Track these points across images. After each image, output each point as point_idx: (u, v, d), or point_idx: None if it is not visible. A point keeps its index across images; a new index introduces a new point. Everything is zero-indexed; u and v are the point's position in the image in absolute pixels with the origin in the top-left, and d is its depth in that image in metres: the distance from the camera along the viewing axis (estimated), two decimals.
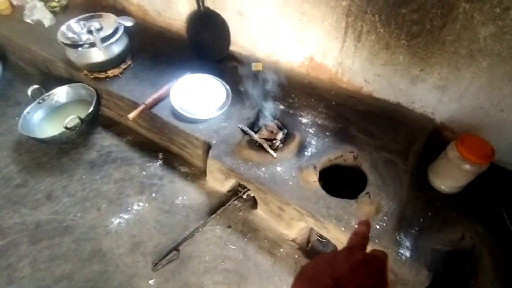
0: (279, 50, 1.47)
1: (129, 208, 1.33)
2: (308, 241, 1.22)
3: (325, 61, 1.35)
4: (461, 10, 0.94)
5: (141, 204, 1.34)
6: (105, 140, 1.60)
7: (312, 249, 1.21)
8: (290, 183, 1.11)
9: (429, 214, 1.12)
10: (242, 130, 1.26)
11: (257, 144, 1.21)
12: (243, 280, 1.12)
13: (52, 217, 1.32)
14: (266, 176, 1.13)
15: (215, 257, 1.18)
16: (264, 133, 1.23)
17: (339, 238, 1.02)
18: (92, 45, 1.43)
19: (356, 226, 0.46)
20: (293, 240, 1.22)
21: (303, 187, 1.09)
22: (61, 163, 1.51)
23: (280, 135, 1.22)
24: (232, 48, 1.62)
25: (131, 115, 1.35)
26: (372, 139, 1.23)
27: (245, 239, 1.22)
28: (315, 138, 1.24)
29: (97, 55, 1.47)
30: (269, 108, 1.31)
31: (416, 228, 1.08)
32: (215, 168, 1.24)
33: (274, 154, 1.17)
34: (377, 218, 1.01)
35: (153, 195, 1.37)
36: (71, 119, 1.42)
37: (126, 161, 1.50)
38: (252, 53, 1.58)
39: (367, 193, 1.03)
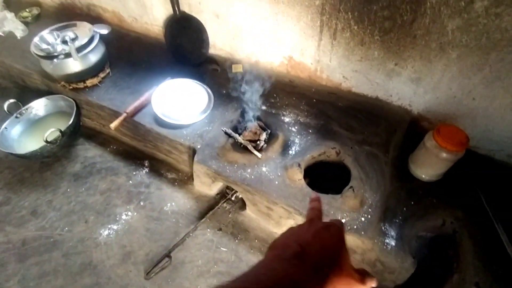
0: (258, 50, 1.48)
1: (117, 218, 1.32)
2: None
3: (304, 59, 1.37)
4: (429, 5, 0.97)
5: (129, 213, 1.34)
6: (88, 151, 1.57)
7: None
8: (276, 182, 1.12)
9: (412, 203, 1.15)
10: (226, 133, 1.27)
11: (241, 146, 1.22)
12: None
13: (39, 233, 1.30)
14: (252, 177, 1.14)
15: (208, 261, 1.19)
16: (248, 134, 1.24)
17: None
18: (68, 55, 1.41)
19: (309, 204, 0.52)
20: None
21: (289, 186, 1.11)
22: (44, 177, 1.48)
23: (263, 136, 1.24)
24: (211, 51, 1.62)
25: (113, 125, 1.34)
26: (353, 134, 1.26)
27: (236, 241, 1.23)
28: (298, 137, 1.26)
29: (74, 66, 1.45)
30: (251, 109, 1.32)
31: (400, 217, 1.12)
32: (202, 173, 1.25)
33: (259, 154, 1.18)
34: (362, 210, 1.04)
35: (141, 203, 1.37)
36: (51, 132, 1.39)
37: (111, 171, 1.49)
38: (232, 55, 1.59)
39: (351, 187, 1.06)
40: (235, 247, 1.21)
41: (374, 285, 0.41)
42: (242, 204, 1.31)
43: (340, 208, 1.05)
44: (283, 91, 1.43)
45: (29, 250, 1.25)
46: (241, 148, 1.22)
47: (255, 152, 1.19)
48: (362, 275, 0.39)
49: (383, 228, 1.07)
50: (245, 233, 1.25)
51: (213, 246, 1.23)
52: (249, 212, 1.28)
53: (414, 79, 1.17)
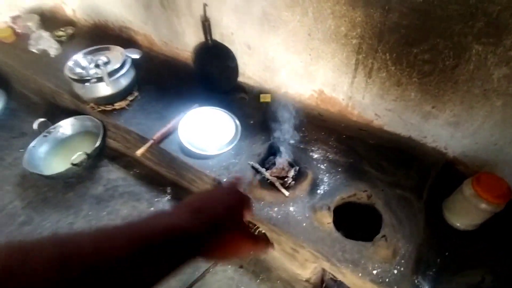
0: (287, 82, 1.47)
1: None
2: (322, 281, 1.19)
3: (335, 94, 1.35)
4: (474, 52, 0.94)
5: None
6: (111, 173, 1.58)
7: None
8: (304, 224, 1.08)
9: (446, 254, 1.09)
10: (253, 167, 1.24)
11: (268, 182, 1.19)
12: None
13: None
14: (279, 216, 1.11)
15: None
16: (275, 170, 1.21)
17: (356, 283, 0.99)
18: (100, 79, 1.43)
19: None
20: (307, 281, 1.19)
21: (317, 229, 1.06)
22: (67, 198, 1.49)
23: (292, 173, 1.21)
24: (240, 78, 1.62)
25: (139, 152, 1.34)
26: (384, 175, 1.21)
27: (258, 280, 1.19)
28: (327, 175, 1.22)
29: (105, 89, 1.47)
30: (280, 143, 1.29)
31: (434, 270, 1.05)
32: None
33: (286, 193, 1.15)
34: (394, 261, 0.99)
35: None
36: (78, 155, 1.40)
37: (133, 195, 1.48)
38: (261, 84, 1.58)
39: (383, 236, 1.01)
40: (256, 287, 1.17)
41: (271, 249, 0.51)
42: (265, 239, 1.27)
43: (371, 257, 0.99)
44: (312, 125, 1.40)
45: None
46: (268, 185, 1.19)
47: (283, 190, 1.15)
48: (256, 239, 0.46)
49: (416, 281, 1.00)
50: (268, 272, 1.21)
51: (233, 284, 1.18)
52: (273, 250, 1.23)
53: (452, 123, 1.12)
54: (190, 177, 1.40)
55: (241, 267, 1.22)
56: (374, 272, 0.96)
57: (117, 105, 1.57)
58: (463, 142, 1.16)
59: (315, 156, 1.29)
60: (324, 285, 1.17)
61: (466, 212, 1.09)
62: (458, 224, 1.13)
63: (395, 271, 0.97)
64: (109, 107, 1.56)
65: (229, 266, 1.22)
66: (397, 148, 1.29)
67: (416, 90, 1.11)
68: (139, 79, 1.65)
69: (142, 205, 1.44)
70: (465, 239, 1.11)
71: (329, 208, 1.06)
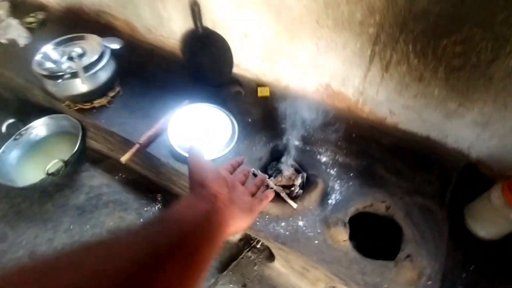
0: (290, 74, 1.30)
1: None
2: None
3: (344, 89, 1.20)
4: None
5: None
6: (94, 180, 1.41)
7: None
8: (316, 242, 0.96)
9: (471, 268, 0.99)
10: (254, 175, 1.10)
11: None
12: None
13: None
14: (287, 233, 0.98)
15: None
16: (281, 179, 1.07)
17: None
18: (74, 75, 1.24)
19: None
20: None
21: (332, 247, 0.94)
22: (45, 210, 1.32)
23: (299, 180, 1.07)
24: (235, 70, 1.44)
25: (124, 158, 1.17)
26: (402, 180, 1.09)
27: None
28: (338, 182, 1.09)
29: (81, 86, 1.28)
30: (284, 145, 1.15)
31: (460, 287, 0.95)
32: None
33: (294, 205, 1.01)
34: (419, 284, 0.88)
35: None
36: (54, 164, 1.23)
37: (119, 205, 1.33)
38: (258, 77, 1.41)
39: (408, 256, 0.89)
40: None
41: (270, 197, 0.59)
42: (269, 254, 1.15)
43: (394, 280, 0.88)
44: (317, 123, 1.25)
45: None
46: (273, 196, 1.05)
47: (290, 202, 1.02)
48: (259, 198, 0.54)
49: None
50: None
51: None
52: (278, 265, 1.11)
53: (480, 123, 1.00)
54: (183, 184, 1.25)
55: (244, 285, 1.10)
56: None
57: (97, 103, 1.38)
58: (490, 143, 1.03)
59: (324, 159, 1.15)
60: None
61: (494, 221, 0.98)
62: (482, 234, 1.03)
63: None
64: (87, 105, 1.37)
65: (231, 285, 1.10)
66: (413, 149, 1.16)
67: (441, 87, 0.97)
68: (121, 72, 1.45)
69: (130, 215, 1.29)
70: (492, 250, 1.01)
71: (344, 224, 0.93)
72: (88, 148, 1.49)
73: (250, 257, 1.16)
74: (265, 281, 1.11)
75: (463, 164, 1.12)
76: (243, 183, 0.60)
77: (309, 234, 0.97)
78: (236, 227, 0.46)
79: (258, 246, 1.17)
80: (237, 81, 1.45)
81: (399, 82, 1.04)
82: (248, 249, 1.16)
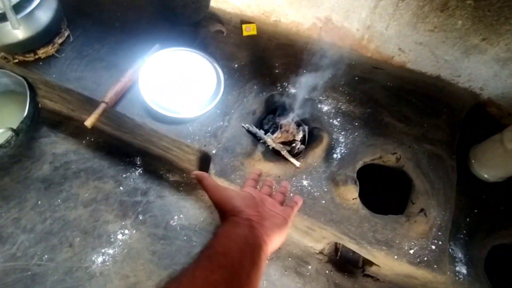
0: (280, 7, 1.08)
1: (112, 240, 1.05)
2: (336, 250, 1.06)
3: (348, 23, 1.01)
4: None
5: (126, 231, 1.06)
6: (56, 146, 1.20)
7: (342, 258, 1.05)
8: (323, 201, 0.88)
9: (475, 211, 0.98)
10: (249, 131, 0.95)
11: (272, 150, 0.93)
12: None
13: (10, 264, 1.01)
14: (291, 194, 0.88)
15: None
16: (280, 135, 0.94)
17: (391, 265, 0.86)
18: (3, 17, 0.94)
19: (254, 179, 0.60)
20: (321, 252, 1.05)
21: (340, 206, 0.87)
22: (2, 186, 1.13)
23: (300, 135, 0.94)
24: (213, 4, 1.18)
25: (89, 122, 0.97)
26: (409, 127, 1.00)
27: (266, 261, 1.02)
28: (342, 133, 0.98)
29: (14, 31, 0.99)
30: (280, 95, 0.99)
31: (465, 232, 0.95)
32: None
33: (297, 163, 0.90)
34: (430, 235, 0.84)
35: (140, 217, 1.09)
36: (1, 133, 1.00)
37: (93, 173, 1.16)
38: (242, 11, 1.17)
39: (421, 210, 0.84)
40: (266, 269, 1.01)
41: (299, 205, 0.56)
42: None
43: (406, 235, 0.84)
44: (315, 66, 1.09)
45: None
46: (273, 154, 0.93)
47: (292, 160, 0.90)
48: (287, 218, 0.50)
49: (450, 250, 0.89)
50: (276, 251, 1.04)
51: None
52: None
53: (502, 59, 0.89)
54: (164, 145, 1.09)
55: None
56: (411, 251, 0.82)
57: (42, 53, 1.10)
58: (507, 81, 0.94)
59: (325, 108, 1.02)
60: (339, 254, 1.04)
61: (503, 163, 0.94)
62: (486, 176, 1.00)
63: (433, 247, 0.83)
64: (30, 57, 1.10)
65: None
66: (420, 91, 1.05)
67: (467, 17, 0.82)
68: (67, 11, 1.15)
69: (107, 184, 1.13)
70: (494, 193, 0.99)
71: (355, 182, 0.85)
72: (42, 109, 1.24)
73: None
74: None
75: (472, 103, 1.04)
76: (270, 195, 0.57)
77: (315, 194, 0.88)
78: (276, 242, 0.46)
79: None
80: (216, 17, 1.20)
81: (415, 14, 0.88)
82: None
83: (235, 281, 0.35)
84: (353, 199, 0.86)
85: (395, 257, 0.81)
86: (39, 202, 1.10)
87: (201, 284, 0.33)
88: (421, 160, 0.93)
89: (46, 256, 1.02)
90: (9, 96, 1.20)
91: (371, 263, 0.96)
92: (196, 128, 0.99)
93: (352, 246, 0.87)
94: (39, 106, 1.24)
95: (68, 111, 1.24)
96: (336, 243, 1.06)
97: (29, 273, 1.00)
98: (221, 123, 0.99)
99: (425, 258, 0.81)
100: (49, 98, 1.21)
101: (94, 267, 1.01)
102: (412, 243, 0.83)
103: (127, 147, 1.20)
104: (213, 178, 0.93)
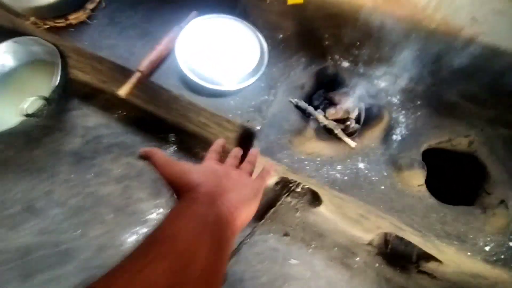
0: None
1: (145, 218, 1.00)
2: (386, 242, 0.97)
3: None
4: None
5: (160, 210, 1.01)
6: (88, 119, 1.15)
7: (392, 251, 0.96)
8: (382, 187, 0.78)
9: None
10: (297, 107, 0.86)
11: (324, 128, 0.83)
12: None
13: (43, 238, 0.98)
14: (346, 178, 0.79)
15: (275, 277, 0.92)
16: (334, 112, 0.84)
17: (460, 262, 0.76)
18: None
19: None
20: (369, 243, 0.96)
21: (403, 193, 0.77)
22: (35, 158, 1.09)
23: (355, 112, 0.84)
24: None
25: (123, 91, 0.90)
26: (481, 108, 0.87)
27: (310, 250, 0.95)
28: (403, 112, 0.87)
29: None
30: (332, 69, 0.89)
31: None
32: (263, 165, 0.88)
33: (353, 143, 0.81)
34: (508, 231, 0.73)
35: (174, 196, 1.02)
36: (32, 101, 0.95)
37: (125, 148, 1.10)
38: None
39: (502, 201, 0.73)
40: (310, 259, 0.94)
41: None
42: (312, 198, 0.99)
43: (481, 229, 0.73)
44: (369, 37, 0.97)
45: (33, 262, 0.95)
46: (325, 133, 0.83)
47: (346, 140, 0.81)
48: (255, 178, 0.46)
49: None
50: (321, 239, 0.96)
51: (279, 257, 0.94)
52: (325, 210, 0.96)
53: None
54: (201, 121, 1.01)
55: (286, 234, 0.96)
56: (487, 248, 0.72)
57: (73, 18, 1.03)
58: None
59: (382, 84, 0.91)
60: (389, 246, 0.95)
61: None
62: None
63: (511, 243, 0.72)
64: (60, 22, 1.03)
65: (271, 234, 0.96)
66: (493, 69, 0.91)
67: None
68: None
69: (141, 161, 1.07)
70: None
71: (422, 166, 0.74)
72: (73, 81, 1.19)
73: (290, 202, 1.00)
74: (309, 228, 0.97)
75: None
76: (237, 167, 0.50)
77: (373, 178, 0.79)
78: (245, 216, 0.39)
79: (298, 189, 1.00)
80: None
81: None
82: (287, 194, 1.00)
83: (188, 270, 0.28)
84: (419, 185, 0.76)
85: (469, 253, 0.71)
86: (72, 176, 1.07)
87: (134, 280, 0.26)
88: (496, 145, 0.81)
89: (79, 231, 0.99)
90: (40, 65, 1.15)
91: (427, 259, 0.87)
92: (238, 102, 0.90)
93: (414, 239, 0.77)
94: (70, 77, 1.18)
95: (99, 83, 1.19)
96: (386, 234, 0.97)
97: (62, 247, 0.96)
98: (266, 97, 0.90)
99: (502, 256, 0.71)
100: (80, 68, 1.15)
101: (126, 246, 0.97)
102: (488, 239, 0.72)
103: (161, 123, 1.14)
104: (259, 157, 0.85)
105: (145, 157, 0.43)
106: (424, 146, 0.80)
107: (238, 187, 0.41)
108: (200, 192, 0.37)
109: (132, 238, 0.97)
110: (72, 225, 0.99)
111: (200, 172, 0.41)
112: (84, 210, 1.01)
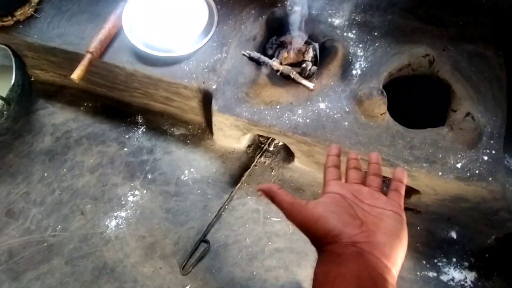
0: None
1: (123, 202, 0.98)
2: None
3: None
4: None
5: (136, 192, 0.99)
6: (55, 117, 1.14)
7: None
8: (346, 123, 0.75)
9: None
10: (250, 58, 0.83)
11: (280, 74, 0.80)
12: (302, 257, 0.87)
13: (26, 238, 0.97)
14: (308, 120, 0.76)
15: (258, 238, 0.90)
16: (287, 55, 0.80)
17: (434, 185, 0.73)
18: None
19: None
20: None
21: (367, 126, 0.74)
22: (7, 163, 1.08)
23: (310, 53, 0.81)
24: None
25: (75, 75, 0.88)
26: (442, 28, 0.83)
27: None
28: (360, 46, 0.83)
29: None
30: (282, 12, 0.85)
31: None
32: (226, 125, 0.86)
33: (310, 85, 0.77)
34: (480, 145, 0.70)
35: (149, 176, 1.01)
36: None
37: (95, 138, 1.09)
38: None
39: (467, 114, 0.69)
40: None
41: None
42: (286, 154, 0.97)
43: (451, 147, 0.70)
44: None
45: (20, 263, 0.94)
46: (281, 79, 0.80)
47: (304, 82, 0.78)
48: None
49: (505, 162, 0.75)
50: (299, 192, 0.94)
51: (260, 217, 0.92)
52: (299, 164, 0.94)
53: None
54: (163, 95, 0.99)
55: None
56: (458, 165, 0.68)
57: (19, 14, 1.01)
58: None
59: (337, 22, 0.87)
60: None
61: None
62: None
63: (485, 157, 0.69)
64: (8, 20, 1.01)
65: (249, 197, 0.94)
66: None
67: None
68: None
69: (111, 147, 1.06)
70: None
71: (381, 93, 0.71)
72: (36, 82, 1.18)
73: (264, 162, 0.97)
74: (287, 184, 0.95)
75: None
76: (363, 183, 0.39)
77: (336, 116, 0.76)
78: (400, 258, 0.32)
79: (271, 148, 0.98)
80: None
81: None
82: (259, 155, 0.97)
83: None
84: (382, 114, 0.72)
85: (439, 173, 0.68)
86: (46, 174, 1.05)
87: None
88: (460, 63, 0.77)
89: (59, 226, 0.98)
90: (1, 70, 1.13)
91: (408, 194, 0.84)
92: (192, 66, 0.88)
93: (386, 170, 0.74)
94: (32, 78, 1.17)
95: (61, 80, 1.17)
96: None
97: (45, 244, 0.96)
98: (219, 55, 0.87)
99: (477, 171, 0.68)
100: (38, 67, 1.14)
101: (108, 232, 0.95)
102: (459, 156, 0.69)
103: (127, 107, 1.12)
104: (217, 115, 0.83)
105: (266, 195, 0.38)
106: (385, 75, 0.77)
107: (380, 219, 0.34)
108: (343, 244, 0.31)
109: (113, 222, 0.96)
110: (53, 221, 0.98)
111: (332, 212, 0.34)
112: (62, 205, 1.00)
